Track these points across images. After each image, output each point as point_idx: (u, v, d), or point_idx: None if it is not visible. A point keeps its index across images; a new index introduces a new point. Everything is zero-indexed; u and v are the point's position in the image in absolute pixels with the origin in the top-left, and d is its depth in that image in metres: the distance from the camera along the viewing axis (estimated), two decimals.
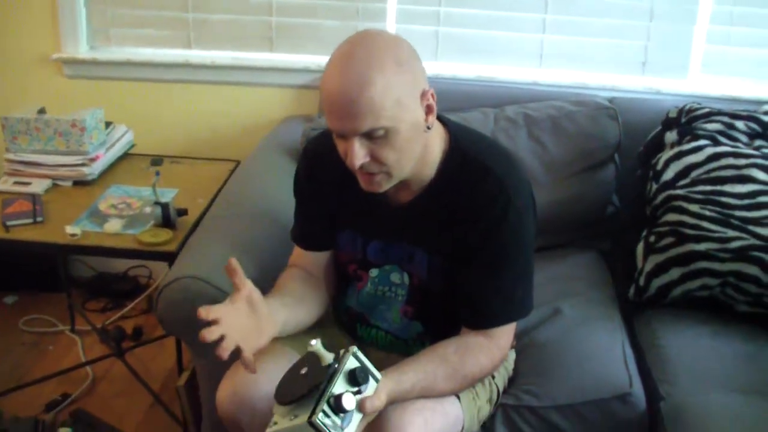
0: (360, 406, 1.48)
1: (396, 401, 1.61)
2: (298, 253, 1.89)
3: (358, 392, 1.49)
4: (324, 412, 1.44)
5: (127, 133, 2.78)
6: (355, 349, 1.52)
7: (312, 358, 1.51)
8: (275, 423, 1.50)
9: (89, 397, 2.68)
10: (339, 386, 1.47)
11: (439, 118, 1.72)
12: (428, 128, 1.62)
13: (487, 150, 1.75)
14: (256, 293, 1.61)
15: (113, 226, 2.29)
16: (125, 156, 2.77)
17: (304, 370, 1.51)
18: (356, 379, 1.49)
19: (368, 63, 1.50)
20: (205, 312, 1.52)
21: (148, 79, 2.97)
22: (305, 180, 1.86)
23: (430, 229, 1.74)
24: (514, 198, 1.67)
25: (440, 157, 1.71)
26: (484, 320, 1.73)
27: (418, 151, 1.63)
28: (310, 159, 1.86)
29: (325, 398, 1.45)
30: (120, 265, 3.22)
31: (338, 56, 1.54)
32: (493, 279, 1.71)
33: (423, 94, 1.58)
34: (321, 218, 1.84)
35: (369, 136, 1.53)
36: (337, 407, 1.45)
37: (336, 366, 1.49)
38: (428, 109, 1.61)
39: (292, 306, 1.74)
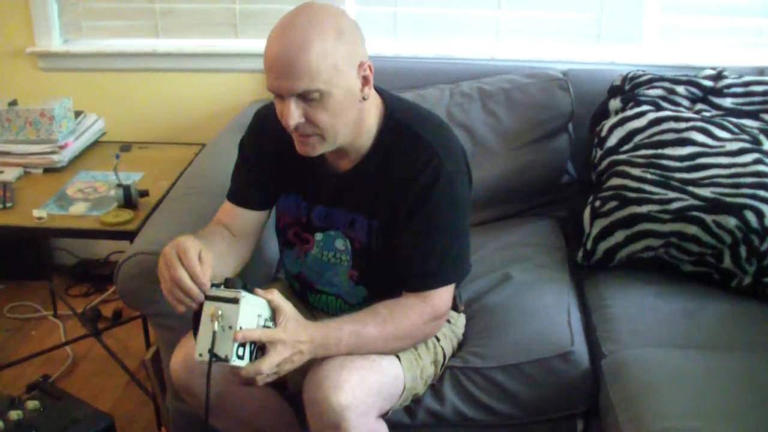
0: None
1: (329, 344, 1.68)
2: (226, 210, 1.95)
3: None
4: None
5: (98, 121, 2.87)
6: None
7: None
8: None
9: (69, 378, 2.78)
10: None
11: (378, 91, 1.81)
12: (364, 99, 1.71)
13: (419, 119, 1.84)
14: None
15: (78, 208, 2.37)
16: (96, 143, 2.85)
17: None
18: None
19: (309, 28, 1.60)
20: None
21: (119, 69, 3.07)
22: (251, 143, 1.94)
23: (368, 195, 1.82)
24: (445, 162, 1.76)
25: (376, 128, 1.79)
26: (418, 282, 1.80)
27: (352, 119, 1.71)
28: (259, 124, 1.95)
29: None
30: (101, 251, 3.32)
31: (281, 22, 1.64)
32: (427, 241, 1.78)
33: (360, 65, 1.67)
34: (261, 180, 1.92)
35: (305, 97, 1.62)
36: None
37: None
38: (364, 81, 1.69)
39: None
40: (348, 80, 1.65)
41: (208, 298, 1.57)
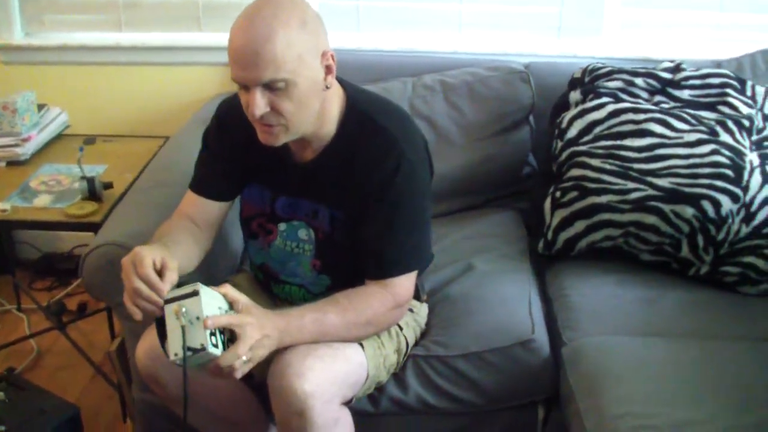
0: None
1: (291, 330, 1.70)
2: (190, 201, 1.96)
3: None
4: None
5: (61, 114, 2.87)
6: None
7: None
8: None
9: (34, 371, 2.78)
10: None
11: (339, 81, 1.83)
12: (327, 87, 1.73)
13: (381, 109, 1.86)
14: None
15: (42, 201, 2.38)
16: (60, 136, 2.86)
17: None
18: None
19: (273, 19, 1.61)
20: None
21: (83, 63, 3.05)
22: (216, 134, 1.95)
23: (330, 185, 1.84)
24: (406, 151, 1.78)
25: (339, 118, 1.81)
26: (379, 270, 1.82)
27: (316, 108, 1.73)
28: (223, 115, 1.96)
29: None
30: (65, 245, 3.31)
31: (245, 13, 1.65)
32: (388, 230, 1.80)
33: (323, 55, 1.69)
34: (225, 171, 1.94)
35: (270, 87, 1.63)
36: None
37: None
38: (327, 70, 1.71)
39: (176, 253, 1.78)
40: (312, 70, 1.67)
41: (167, 301, 1.59)
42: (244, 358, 1.60)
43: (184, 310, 1.56)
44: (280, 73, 1.61)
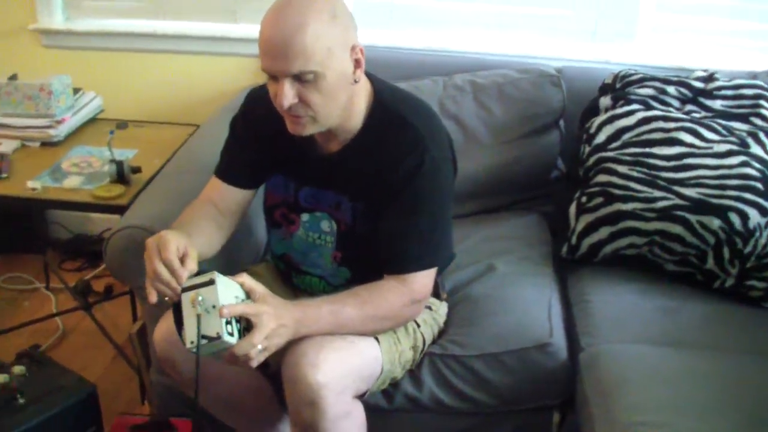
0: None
1: (308, 321, 1.71)
2: (214, 186, 1.98)
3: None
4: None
5: (96, 98, 2.92)
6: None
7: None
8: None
9: (58, 349, 2.83)
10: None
11: (368, 76, 1.84)
12: (355, 81, 1.74)
13: (408, 106, 1.87)
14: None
15: (72, 181, 2.43)
16: (94, 120, 2.91)
17: None
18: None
19: (304, 11, 1.62)
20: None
21: (119, 49, 3.10)
22: (243, 122, 1.97)
23: (354, 178, 1.85)
24: (430, 147, 1.79)
25: (365, 112, 1.82)
26: (398, 264, 1.82)
27: (344, 101, 1.74)
28: (251, 104, 1.97)
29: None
30: (95, 227, 3.35)
31: (276, 5, 1.67)
32: (408, 225, 1.81)
33: (353, 48, 1.70)
34: (251, 160, 1.95)
35: (299, 78, 1.65)
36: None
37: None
38: (356, 64, 1.72)
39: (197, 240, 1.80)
40: (341, 62, 1.68)
41: (184, 290, 1.61)
42: (260, 347, 1.61)
43: (200, 298, 1.58)
44: (309, 65, 1.62)
